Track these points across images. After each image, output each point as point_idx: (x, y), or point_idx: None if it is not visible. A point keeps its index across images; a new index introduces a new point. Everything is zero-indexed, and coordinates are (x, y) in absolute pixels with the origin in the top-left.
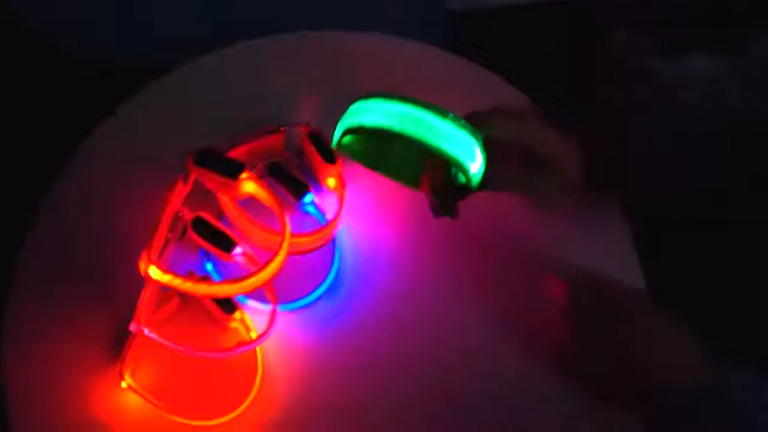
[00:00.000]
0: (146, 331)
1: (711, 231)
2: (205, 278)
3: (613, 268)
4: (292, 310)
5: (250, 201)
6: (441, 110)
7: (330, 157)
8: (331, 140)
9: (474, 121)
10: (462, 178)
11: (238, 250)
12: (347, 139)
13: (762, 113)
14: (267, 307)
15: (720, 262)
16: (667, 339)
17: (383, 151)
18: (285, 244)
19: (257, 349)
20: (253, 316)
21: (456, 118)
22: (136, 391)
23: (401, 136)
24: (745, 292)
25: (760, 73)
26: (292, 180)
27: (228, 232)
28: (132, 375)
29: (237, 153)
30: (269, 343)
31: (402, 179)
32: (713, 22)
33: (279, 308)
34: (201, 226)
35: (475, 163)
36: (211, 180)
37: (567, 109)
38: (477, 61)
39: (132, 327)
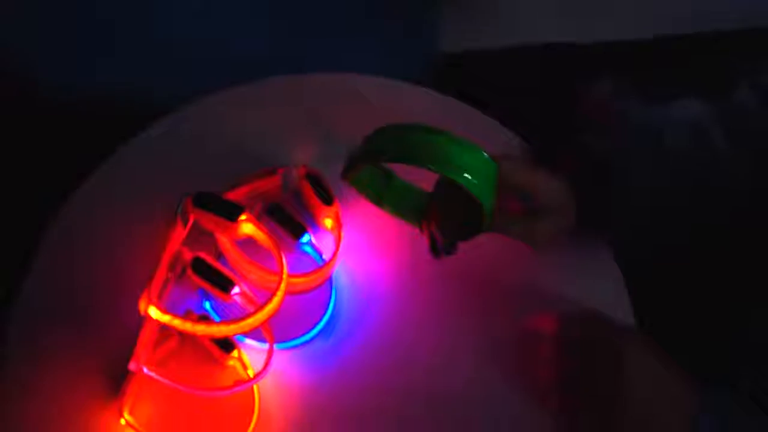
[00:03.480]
0: (145, 370)
1: (692, 270)
2: (204, 317)
3: (604, 305)
4: (288, 349)
5: (248, 242)
6: (468, 142)
7: (327, 197)
8: (329, 181)
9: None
10: (474, 217)
11: (236, 290)
12: (359, 171)
13: (743, 157)
14: (264, 346)
15: (701, 298)
16: (656, 373)
17: (387, 185)
18: (282, 285)
19: (254, 387)
20: (251, 355)
21: (481, 151)
22: (134, 428)
23: (427, 165)
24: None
25: (741, 118)
26: (289, 221)
27: (226, 272)
28: (131, 412)
29: (235, 195)
30: (266, 381)
31: (403, 215)
32: (696, 68)
33: (276, 347)
34: (200, 267)
35: (492, 200)
36: (210, 221)
37: (554, 152)
38: (466, 103)
39: (131, 365)
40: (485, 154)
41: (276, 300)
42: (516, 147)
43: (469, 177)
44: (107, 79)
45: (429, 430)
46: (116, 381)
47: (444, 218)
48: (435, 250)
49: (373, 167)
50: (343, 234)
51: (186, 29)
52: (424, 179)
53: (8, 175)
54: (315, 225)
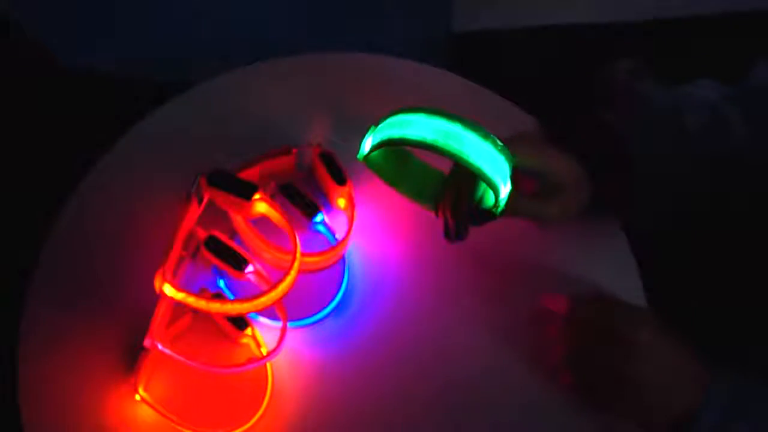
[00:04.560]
0: (160, 346)
1: (710, 250)
2: (218, 295)
3: (616, 286)
4: (302, 327)
5: (262, 220)
6: (483, 130)
7: (340, 177)
8: (341, 161)
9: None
10: (486, 203)
11: (249, 268)
12: (376, 152)
13: (761, 139)
14: (277, 324)
15: (718, 280)
16: (667, 356)
17: (404, 168)
18: (296, 264)
19: (267, 364)
20: (264, 333)
21: (495, 140)
22: (149, 404)
23: (439, 151)
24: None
25: (759, 100)
26: (303, 200)
27: (240, 250)
28: (145, 388)
29: (249, 174)
30: (279, 359)
31: (418, 198)
32: (713, 50)
33: (289, 325)
34: (214, 245)
35: (506, 188)
36: (225, 200)
37: (571, 133)
38: (480, 83)
39: (146, 342)
40: (500, 142)
41: (289, 279)
42: (529, 127)
43: (485, 167)
44: (111, 63)
45: (440, 407)
46: (131, 358)
47: (458, 203)
48: (448, 234)
49: (389, 148)
50: (356, 214)
51: (187, 26)
52: (441, 160)
53: (23, 155)
54: (328, 204)
